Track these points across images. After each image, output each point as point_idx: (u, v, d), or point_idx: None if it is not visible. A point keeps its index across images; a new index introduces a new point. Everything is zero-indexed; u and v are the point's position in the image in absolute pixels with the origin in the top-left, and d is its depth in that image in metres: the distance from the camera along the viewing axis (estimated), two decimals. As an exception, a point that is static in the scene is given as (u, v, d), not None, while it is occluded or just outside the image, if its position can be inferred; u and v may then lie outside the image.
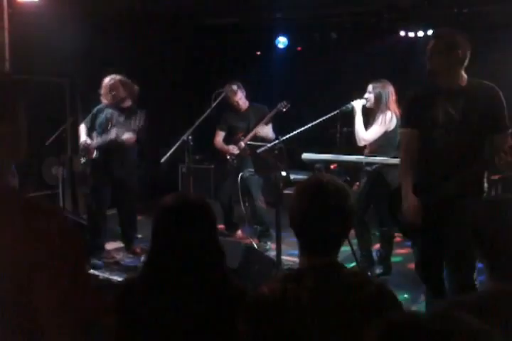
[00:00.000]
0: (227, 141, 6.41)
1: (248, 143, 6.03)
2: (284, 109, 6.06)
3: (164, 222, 2.09)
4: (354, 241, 4.96)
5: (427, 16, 7.12)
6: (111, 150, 5.46)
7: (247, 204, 6.29)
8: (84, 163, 5.64)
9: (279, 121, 6.23)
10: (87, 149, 5.56)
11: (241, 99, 6.26)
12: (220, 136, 6.43)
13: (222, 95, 5.73)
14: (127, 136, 5.38)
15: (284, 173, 4.45)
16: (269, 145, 4.55)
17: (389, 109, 5.02)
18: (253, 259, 4.11)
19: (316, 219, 1.87)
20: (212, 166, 8.27)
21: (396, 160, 4.24)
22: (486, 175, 3.40)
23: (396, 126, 4.92)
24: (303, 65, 8.13)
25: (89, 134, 5.63)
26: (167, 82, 8.14)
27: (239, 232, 6.56)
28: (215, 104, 5.53)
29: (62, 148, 6.78)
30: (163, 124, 7.22)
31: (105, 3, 6.32)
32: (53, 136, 6.41)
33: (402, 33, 7.51)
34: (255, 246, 5.60)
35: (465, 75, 3.37)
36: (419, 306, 4.17)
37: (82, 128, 5.69)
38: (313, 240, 1.91)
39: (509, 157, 2.95)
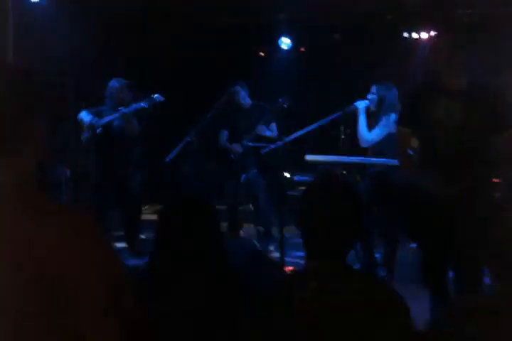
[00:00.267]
0: (231, 140, 6.41)
1: (252, 143, 6.03)
2: (286, 105, 6.05)
3: (167, 222, 2.10)
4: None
5: (430, 18, 7.12)
6: (113, 149, 5.47)
7: (250, 205, 6.29)
8: (87, 137, 5.60)
9: (282, 122, 6.23)
10: (94, 125, 5.54)
11: (244, 98, 6.26)
12: (223, 136, 6.43)
13: (226, 95, 5.73)
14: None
15: (287, 174, 4.46)
16: (272, 146, 4.56)
17: (392, 111, 5.02)
18: (256, 260, 4.11)
19: (326, 221, 1.86)
20: (216, 166, 8.26)
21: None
22: (490, 175, 3.41)
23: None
24: (306, 66, 8.13)
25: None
26: (169, 83, 8.13)
27: (242, 233, 6.56)
28: (218, 104, 5.54)
29: (65, 148, 6.78)
30: (165, 124, 7.22)
31: (106, 3, 6.33)
32: (55, 136, 6.41)
33: (406, 35, 7.51)
34: (258, 247, 5.60)
35: (466, 76, 3.39)
36: (423, 308, 4.16)
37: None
38: (323, 241, 1.88)
39: None
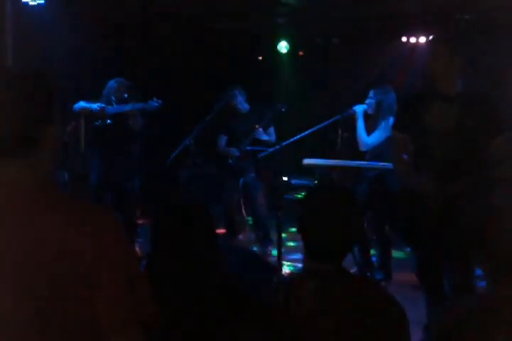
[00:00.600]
0: (229, 144, 6.42)
1: (249, 147, 6.04)
2: (283, 109, 6.06)
3: (164, 226, 2.11)
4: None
5: (429, 22, 7.14)
6: (116, 142, 5.48)
7: (248, 209, 6.30)
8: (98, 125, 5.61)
9: (280, 125, 6.25)
10: (102, 112, 5.55)
11: (241, 103, 6.27)
12: (221, 140, 6.44)
13: (223, 100, 5.74)
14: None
15: (285, 178, 4.47)
16: (270, 150, 4.57)
17: (391, 114, 5.03)
18: (254, 264, 4.11)
19: (326, 223, 1.89)
20: (214, 170, 8.27)
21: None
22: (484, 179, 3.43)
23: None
24: (304, 70, 8.15)
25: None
26: (167, 86, 8.14)
27: (240, 237, 6.56)
28: (216, 108, 5.55)
29: (64, 151, 6.78)
30: (164, 128, 7.22)
31: (106, 4, 6.35)
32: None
33: (404, 39, 7.53)
34: (256, 250, 5.61)
35: (461, 81, 3.41)
36: (419, 310, 4.17)
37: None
38: (321, 245, 1.91)
39: None
